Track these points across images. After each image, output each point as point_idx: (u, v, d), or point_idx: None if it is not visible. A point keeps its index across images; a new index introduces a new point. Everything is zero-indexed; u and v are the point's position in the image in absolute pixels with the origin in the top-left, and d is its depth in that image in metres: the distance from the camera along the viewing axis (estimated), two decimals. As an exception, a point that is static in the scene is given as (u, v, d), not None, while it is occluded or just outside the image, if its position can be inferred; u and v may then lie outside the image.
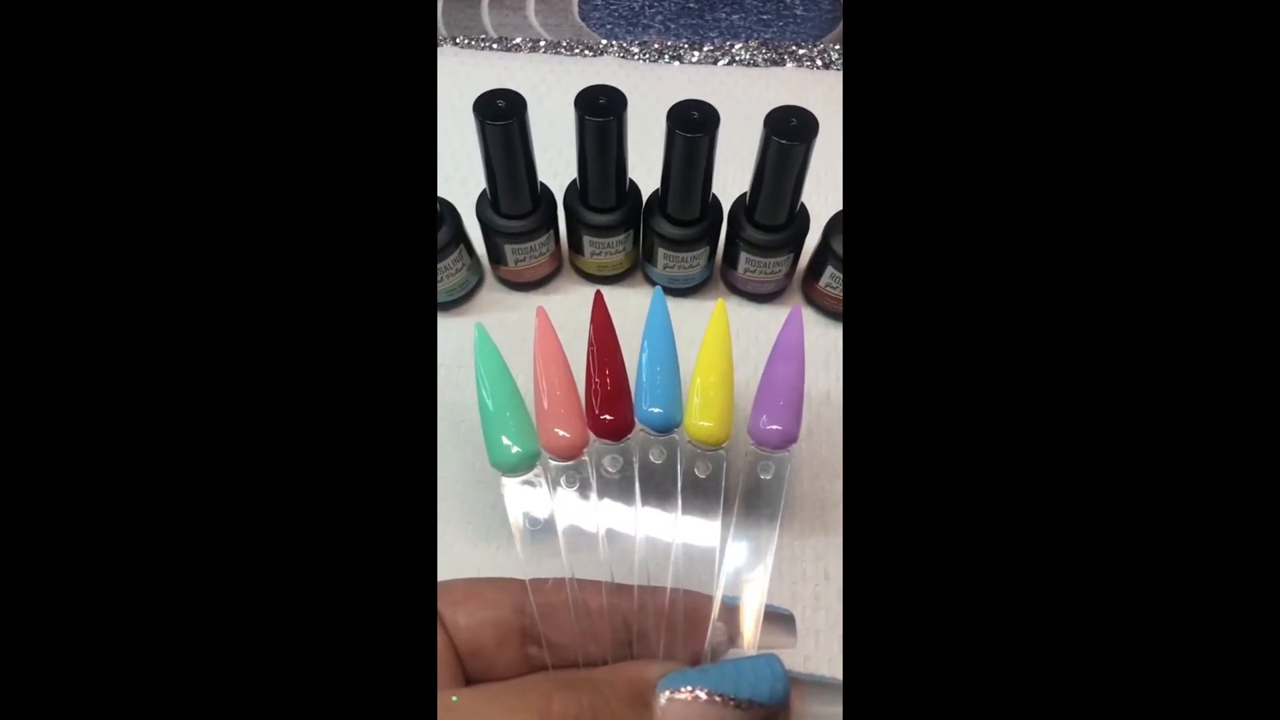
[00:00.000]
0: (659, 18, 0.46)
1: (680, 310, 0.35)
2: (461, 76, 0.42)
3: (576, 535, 0.22)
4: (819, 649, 0.26)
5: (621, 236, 0.31)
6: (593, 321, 0.25)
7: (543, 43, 0.43)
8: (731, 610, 0.21)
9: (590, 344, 0.25)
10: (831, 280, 0.32)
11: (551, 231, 0.32)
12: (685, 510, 0.23)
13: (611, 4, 0.47)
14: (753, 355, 0.33)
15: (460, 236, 0.31)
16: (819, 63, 0.44)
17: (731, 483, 0.24)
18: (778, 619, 0.21)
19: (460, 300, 0.34)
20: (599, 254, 0.32)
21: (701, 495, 0.23)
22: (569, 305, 0.34)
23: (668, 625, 0.21)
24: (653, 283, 0.34)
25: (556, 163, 0.38)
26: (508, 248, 0.31)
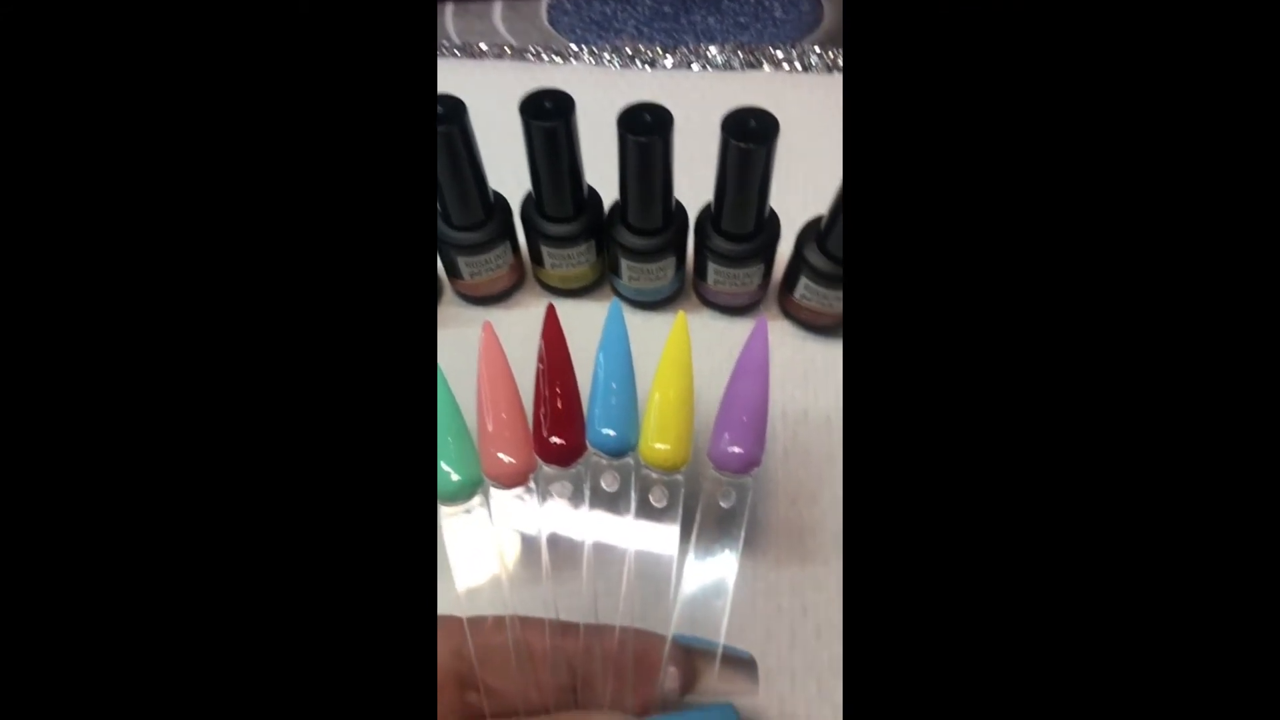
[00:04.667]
0: (631, 22, 0.45)
1: (649, 324, 0.33)
2: (426, 85, 0.40)
3: (519, 569, 0.20)
4: (795, 691, 0.24)
5: (583, 247, 0.30)
6: (543, 336, 0.24)
7: (509, 49, 0.42)
8: (686, 653, 0.19)
9: (540, 360, 0.23)
10: (806, 292, 0.30)
11: (508, 243, 0.30)
12: (638, 542, 0.21)
13: (581, 9, 0.45)
14: (725, 373, 0.31)
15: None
16: (797, 65, 0.43)
17: (690, 511, 0.22)
18: (737, 663, 0.19)
19: (418, 316, 0.32)
20: (560, 266, 0.30)
21: (657, 525, 0.21)
22: (531, 319, 0.32)
23: (616, 670, 0.19)
24: (620, 295, 0.33)
25: (523, 173, 0.37)
26: (461, 260, 0.29)
